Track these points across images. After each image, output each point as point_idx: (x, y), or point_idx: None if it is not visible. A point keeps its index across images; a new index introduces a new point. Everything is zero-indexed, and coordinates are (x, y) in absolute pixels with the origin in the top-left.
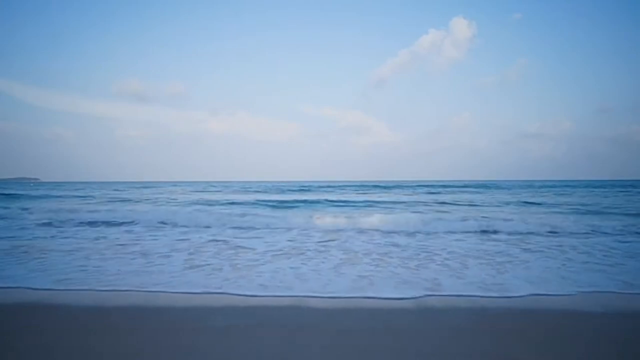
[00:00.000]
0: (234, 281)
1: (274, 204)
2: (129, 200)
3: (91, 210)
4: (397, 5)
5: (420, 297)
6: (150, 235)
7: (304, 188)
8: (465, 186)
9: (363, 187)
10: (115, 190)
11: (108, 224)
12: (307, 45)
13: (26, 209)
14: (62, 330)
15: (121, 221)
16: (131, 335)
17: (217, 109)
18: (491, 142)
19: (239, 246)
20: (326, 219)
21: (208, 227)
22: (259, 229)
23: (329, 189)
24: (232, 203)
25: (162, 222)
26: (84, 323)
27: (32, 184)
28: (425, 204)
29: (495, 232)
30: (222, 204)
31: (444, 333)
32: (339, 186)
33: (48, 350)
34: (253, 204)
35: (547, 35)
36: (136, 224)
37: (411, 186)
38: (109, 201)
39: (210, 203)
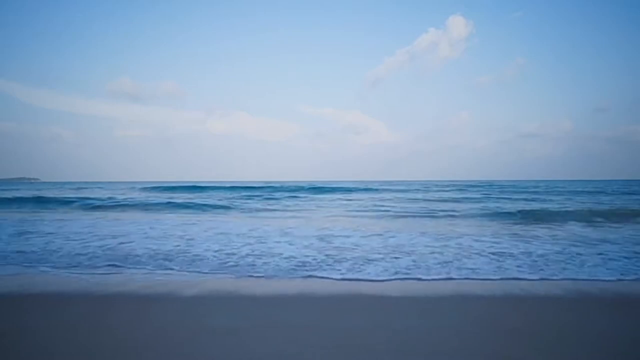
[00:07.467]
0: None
1: None
2: None
3: None
4: (395, 5)
5: (420, 297)
6: None
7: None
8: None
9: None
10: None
11: None
12: (306, 45)
13: None
14: (62, 329)
15: None
16: (132, 335)
17: (216, 109)
18: (490, 142)
19: None
20: None
21: None
22: None
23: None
24: None
25: None
26: (84, 320)
27: (30, 184)
28: None
29: None
30: None
31: (444, 333)
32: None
33: (49, 349)
34: None
35: (546, 35)
36: None
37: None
38: None
39: None
